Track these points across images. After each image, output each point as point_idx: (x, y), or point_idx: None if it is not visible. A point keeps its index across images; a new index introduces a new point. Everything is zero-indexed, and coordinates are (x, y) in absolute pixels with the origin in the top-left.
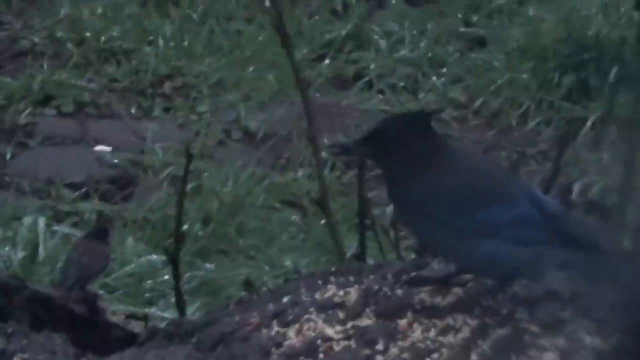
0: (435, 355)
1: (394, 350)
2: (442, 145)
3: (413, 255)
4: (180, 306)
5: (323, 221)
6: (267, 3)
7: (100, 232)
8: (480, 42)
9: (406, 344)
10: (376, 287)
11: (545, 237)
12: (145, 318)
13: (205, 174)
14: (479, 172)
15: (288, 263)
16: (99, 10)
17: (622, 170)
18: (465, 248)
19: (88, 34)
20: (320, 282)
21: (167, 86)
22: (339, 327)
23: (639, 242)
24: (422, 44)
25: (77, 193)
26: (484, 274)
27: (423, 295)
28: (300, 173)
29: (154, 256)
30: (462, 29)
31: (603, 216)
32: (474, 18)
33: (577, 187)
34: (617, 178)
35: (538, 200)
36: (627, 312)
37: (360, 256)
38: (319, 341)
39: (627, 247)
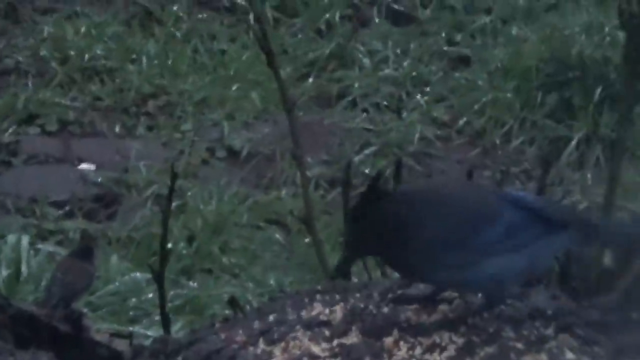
0: None
1: None
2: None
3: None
4: (165, 324)
5: (307, 239)
6: (252, 22)
7: (84, 250)
8: (464, 62)
9: None
10: (362, 305)
11: (539, 232)
12: (129, 336)
13: (189, 193)
14: (456, 207)
15: (272, 281)
16: (83, 29)
17: (605, 190)
18: (469, 277)
19: (72, 53)
20: (306, 300)
21: (151, 105)
22: (325, 345)
23: (618, 260)
24: (405, 63)
25: (61, 211)
26: (489, 293)
27: (409, 313)
28: (284, 192)
29: (138, 274)
30: (445, 48)
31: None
32: (458, 37)
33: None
34: (601, 197)
35: (520, 201)
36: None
37: (345, 274)
38: (305, 359)
39: (609, 265)
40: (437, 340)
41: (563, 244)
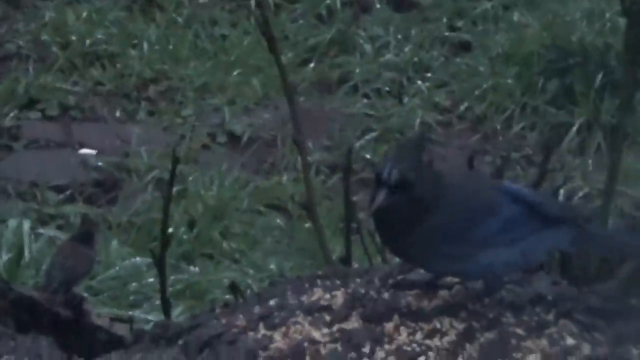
0: (421, 359)
1: (380, 354)
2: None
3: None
4: (166, 309)
5: (307, 225)
6: (253, 7)
7: (85, 235)
8: (465, 47)
9: (392, 347)
10: (362, 290)
11: (535, 227)
12: (130, 321)
13: (190, 178)
14: (464, 197)
15: (272, 267)
16: (84, 14)
17: (606, 176)
18: (466, 267)
19: (73, 38)
20: (306, 285)
21: (152, 90)
22: (325, 330)
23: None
24: (407, 49)
25: (61, 196)
26: (486, 282)
27: (409, 298)
28: (284, 177)
29: (139, 259)
30: (447, 34)
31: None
32: (459, 23)
33: (562, 193)
34: (602, 183)
35: (518, 194)
36: None
37: (346, 260)
38: (305, 344)
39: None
40: (438, 325)
41: (557, 243)
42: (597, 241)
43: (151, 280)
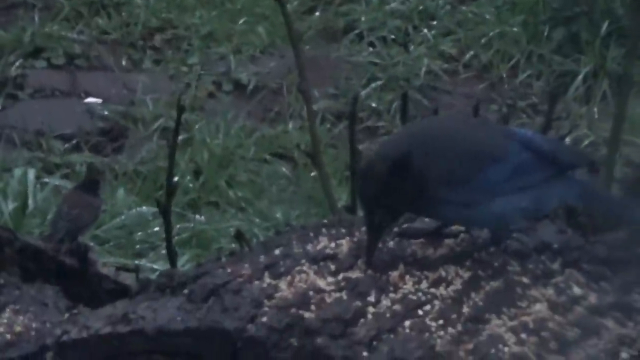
0: (427, 307)
1: (385, 302)
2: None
3: None
4: (172, 258)
5: (313, 173)
6: None
7: (90, 184)
8: None
9: (398, 296)
10: (365, 237)
11: (545, 175)
12: (135, 270)
13: (196, 126)
14: (462, 143)
15: (278, 215)
16: None
17: (612, 124)
18: (477, 215)
19: None
20: (311, 234)
21: (158, 38)
22: (330, 279)
23: (627, 194)
24: None
25: (67, 145)
26: (495, 230)
27: (415, 247)
28: (290, 125)
29: (145, 208)
30: None
31: (593, 170)
32: None
33: (568, 141)
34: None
35: (530, 141)
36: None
37: (351, 208)
38: (310, 293)
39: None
40: (443, 274)
41: (566, 195)
42: (600, 202)
43: (157, 229)
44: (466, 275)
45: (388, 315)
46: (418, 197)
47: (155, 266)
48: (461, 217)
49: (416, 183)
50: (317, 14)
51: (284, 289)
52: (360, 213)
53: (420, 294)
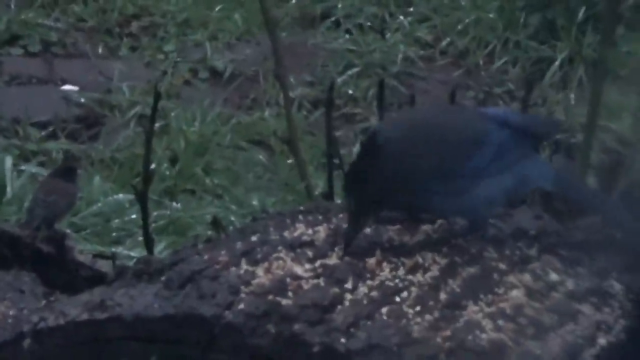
0: (404, 294)
1: (362, 289)
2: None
3: None
4: (148, 245)
5: (290, 160)
6: None
7: (66, 170)
8: None
9: (375, 282)
10: (345, 225)
11: (525, 151)
12: (112, 257)
13: (172, 114)
14: (444, 132)
15: (255, 202)
16: None
17: (587, 110)
18: (467, 203)
19: None
20: (288, 221)
21: (134, 25)
22: (307, 266)
23: (603, 180)
24: None
25: (43, 132)
26: (481, 217)
27: (391, 233)
28: (267, 112)
29: (121, 195)
30: None
31: (569, 156)
32: None
33: None
34: (584, 118)
35: (505, 118)
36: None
37: (328, 195)
38: (287, 279)
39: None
40: (420, 260)
41: (544, 176)
42: (572, 189)
43: (134, 216)
44: (443, 261)
45: (365, 301)
46: (403, 188)
47: (132, 253)
48: (450, 206)
49: (397, 172)
50: (294, 1)
51: (261, 276)
52: (337, 198)
53: (397, 280)
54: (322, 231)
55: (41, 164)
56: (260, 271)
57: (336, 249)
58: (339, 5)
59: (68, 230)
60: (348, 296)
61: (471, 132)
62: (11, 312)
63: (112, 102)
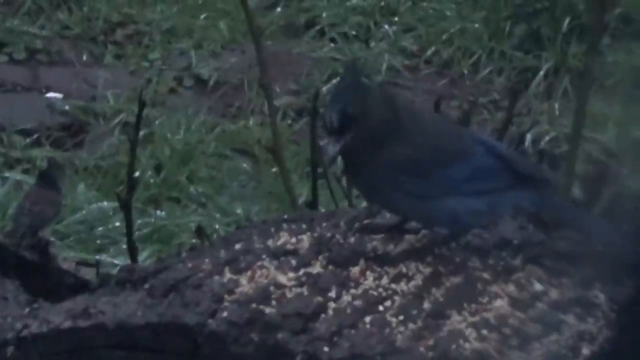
0: (387, 303)
1: (346, 298)
2: (399, 109)
3: (364, 204)
4: (132, 253)
5: (274, 169)
6: None
7: (50, 179)
8: None
9: (358, 291)
10: (329, 234)
11: (504, 183)
12: (96, 265)
13: (157, 122)
14: (432, 132)
15: (239, 211)
16: None
17: (572, 120)
18: (430, 210)
19: None
20: (272, 229)
21: (119, 33)
22: (291, 274)
23: (588, 190)
24: None
25: (28, 140)
26: (446, 229)
27: (375, 243)
28: (251, 121)
29: (105, 203)
30: None
31: (554, 166)
32: None
33: (529, 137)
34: (569, 128)
35: (492, 148)
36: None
37: (312, 204)
38: (271, 288)
39: (577, 196)
40: (404, 270)
41: (523, 202)
42: (553, 209)
43: (118, 224)
44: (427, 270)
45: (349, 310)
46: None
47: (115, 261)
48: (415, 210)
49: (382, 113)
50: (279, 9)
51: (245, 284)
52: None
53: (381, 289)
54: (305, 240)
55: (25, 172)
56: (243, 280)
57: (320, 257)
58: (324, 14)
59: (52, 238)
60: (332, 305)
61: (458, 144)
62: None
63: (97, 110)
